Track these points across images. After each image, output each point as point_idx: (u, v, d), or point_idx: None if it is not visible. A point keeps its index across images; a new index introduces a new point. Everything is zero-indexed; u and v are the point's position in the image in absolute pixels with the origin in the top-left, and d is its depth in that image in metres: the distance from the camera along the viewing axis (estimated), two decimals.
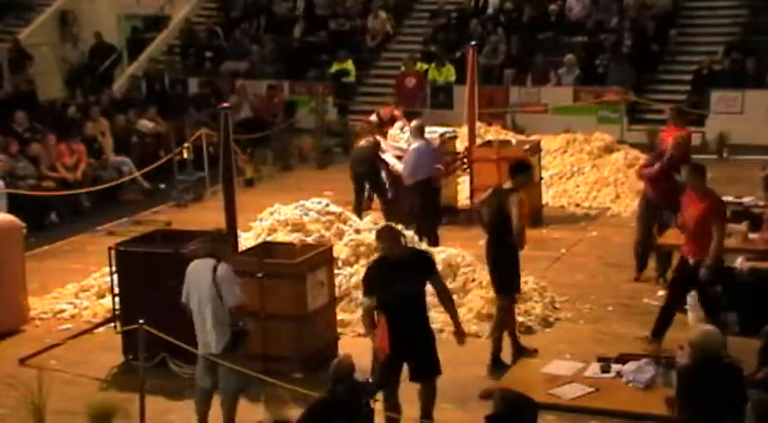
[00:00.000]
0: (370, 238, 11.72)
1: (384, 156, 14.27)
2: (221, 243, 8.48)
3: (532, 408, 6.36)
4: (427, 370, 8.05)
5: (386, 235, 8.10)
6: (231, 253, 8.96)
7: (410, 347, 7.89)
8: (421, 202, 12.99)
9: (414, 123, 13.89)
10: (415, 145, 13.35)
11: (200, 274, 8.26)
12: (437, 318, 10.79)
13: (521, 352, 9.64)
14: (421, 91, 21.02)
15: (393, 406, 7.90)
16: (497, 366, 9.47)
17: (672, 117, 13.45)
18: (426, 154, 13.23)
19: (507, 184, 9.62)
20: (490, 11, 23.64)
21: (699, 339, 7.10)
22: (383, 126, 15.35)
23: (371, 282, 7.91)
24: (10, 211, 11.81)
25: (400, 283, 7.79)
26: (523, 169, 9.78)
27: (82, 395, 9.22)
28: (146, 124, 18.79)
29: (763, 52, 20.59)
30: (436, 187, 13.36)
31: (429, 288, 8.12)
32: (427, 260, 8.21)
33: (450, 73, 21.74)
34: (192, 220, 14.80)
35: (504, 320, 9.65)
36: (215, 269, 8.18)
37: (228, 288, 8.17)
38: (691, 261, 9.56)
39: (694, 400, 6.91)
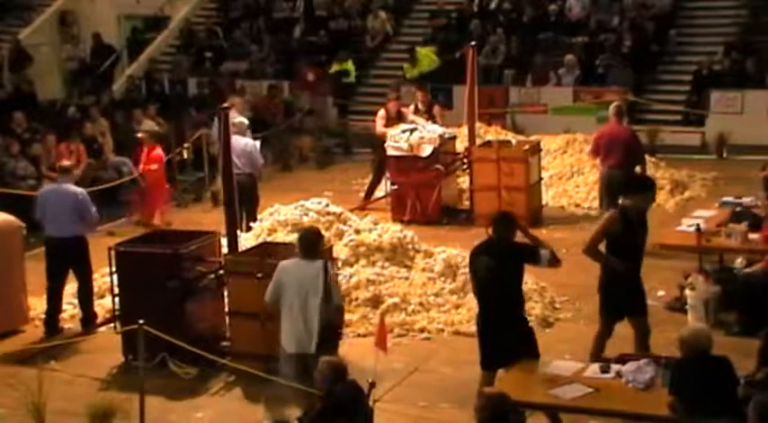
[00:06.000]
0: (371, 238, 11.74)
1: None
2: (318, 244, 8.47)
3: (513, 412, 6.42)
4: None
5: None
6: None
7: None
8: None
9: (236, 120, 13.99)
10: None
11: (304, 273, 8.17)
12: (438, 318, 10.84)
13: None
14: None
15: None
16: None
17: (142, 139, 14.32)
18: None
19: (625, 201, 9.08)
20: (492, 4, 23.66)
21: (688, 336, 7.26)
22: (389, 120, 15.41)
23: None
24: (9, 211, 11.80)
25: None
26: (642, 188, 9.06)
27: (82, 395, 9.22)
28: (149, 124, 18.72)
29: (763, 52, 20.62)
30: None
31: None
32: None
33: (431, 58, 21.99)
34: (191, 220, 14.82)
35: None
36: (326, 269, 8.20)
37: (337, 288, 8.34)
38: None
39: (687, 394, 7.00)
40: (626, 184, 9.33)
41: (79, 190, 11.24)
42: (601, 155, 13.26)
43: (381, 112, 15.66)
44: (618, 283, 8.92)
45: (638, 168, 13.00)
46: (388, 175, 15.50)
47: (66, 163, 11.95)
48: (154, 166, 13.48)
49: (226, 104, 12.53)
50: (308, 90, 21.74)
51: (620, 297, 8.97)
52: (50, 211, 11.08)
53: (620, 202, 9.19)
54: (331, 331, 8.22)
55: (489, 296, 8.18)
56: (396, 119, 15.43)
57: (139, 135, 14.53)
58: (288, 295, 8.16)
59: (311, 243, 8.32)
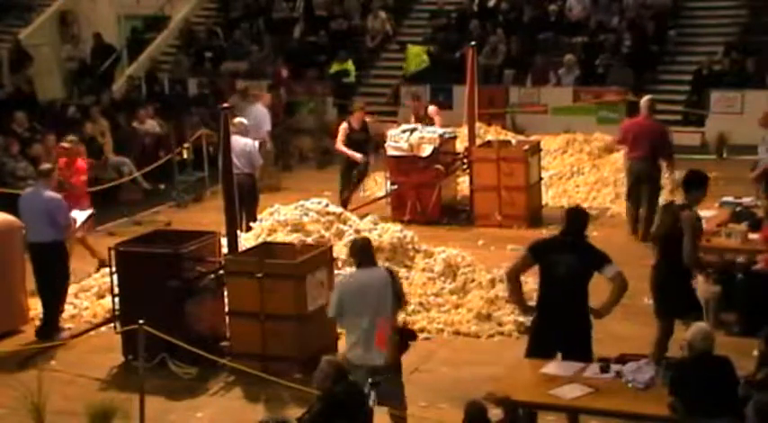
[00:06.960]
0: (371, 238, 11.72)
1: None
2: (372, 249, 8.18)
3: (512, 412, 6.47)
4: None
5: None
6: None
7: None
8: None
9: (236, 120, 13.84)
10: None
11: (370, 283, 7.83)
12: (437, 318, 10.84)
13: None
14: None
15: None
16: None
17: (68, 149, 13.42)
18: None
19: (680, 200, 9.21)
20: (491, 3, 23.66)
21: (692, 336, 7.30)
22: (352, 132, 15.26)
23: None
24: (9, 211, 11.78)
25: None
26: (702, 183, 9.26)
27: (81, 395, 9.22)
28: (153, 125, 18.70)
29: (763, 52, 20.61)
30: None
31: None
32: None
33: (420, 58, 22.03)
34: (191, 221, 14.82)
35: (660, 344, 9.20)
36: (392, 273, 8.02)
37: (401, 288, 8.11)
38: None
39: (687, 394, 7.01)
40: (688, 181, 9.37)
41: (52, 194, 11.01)
42: (628, 146, 13.52)
43: (343, 126, 15.44)
44: (678, 281, 9.10)
45: (664, 163, 13.38)
46: (388, 175, 15.52)
47: (46, 165, 11.57)
48: (84, 178, 13.08)
49: (227, 104, 12.59)
50: (282, 86, 21.80)
51: (680, 295, 9.13)
52: (26, 216, 11.01)
53: (682, 201, 9.31)
54: (403, 333, 8.04)
55: (561, 293, 8.16)
56: (359, 130, 15.28)
57: (64, 144, 13.62)
58: (355, 308, 7.80)
59: (367, 249, 8.01)
